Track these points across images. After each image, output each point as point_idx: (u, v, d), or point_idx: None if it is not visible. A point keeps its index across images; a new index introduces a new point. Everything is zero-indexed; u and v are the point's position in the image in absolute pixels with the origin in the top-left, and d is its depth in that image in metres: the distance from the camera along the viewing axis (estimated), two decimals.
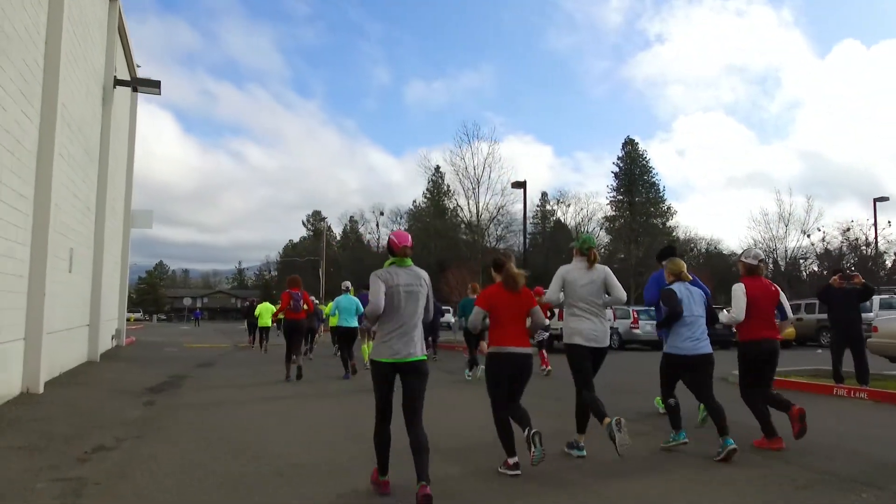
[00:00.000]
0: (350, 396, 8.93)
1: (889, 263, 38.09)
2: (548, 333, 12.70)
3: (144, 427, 6.23)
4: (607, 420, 4.54)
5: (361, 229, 78.85)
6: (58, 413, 6.94)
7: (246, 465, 4.74)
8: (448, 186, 57.10)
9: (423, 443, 3.76)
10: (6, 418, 6.47)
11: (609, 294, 5.06)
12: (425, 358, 4.00)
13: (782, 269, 43.41)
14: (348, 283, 12.46)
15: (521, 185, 24.63)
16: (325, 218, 70.70)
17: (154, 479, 4.33)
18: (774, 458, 4.96)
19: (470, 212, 46.75)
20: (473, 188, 44.44)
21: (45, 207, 8.59)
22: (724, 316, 5.63)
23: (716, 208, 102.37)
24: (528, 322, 4.79)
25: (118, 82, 14.90)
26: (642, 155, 61.86)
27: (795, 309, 20.61)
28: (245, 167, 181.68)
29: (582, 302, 5.00)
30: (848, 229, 41.58)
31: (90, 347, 13.48)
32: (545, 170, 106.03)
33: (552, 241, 61.42)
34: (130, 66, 18.19)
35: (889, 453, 5.23)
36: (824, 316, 21.39)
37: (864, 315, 8.61)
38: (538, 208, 65.87)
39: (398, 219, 69.37)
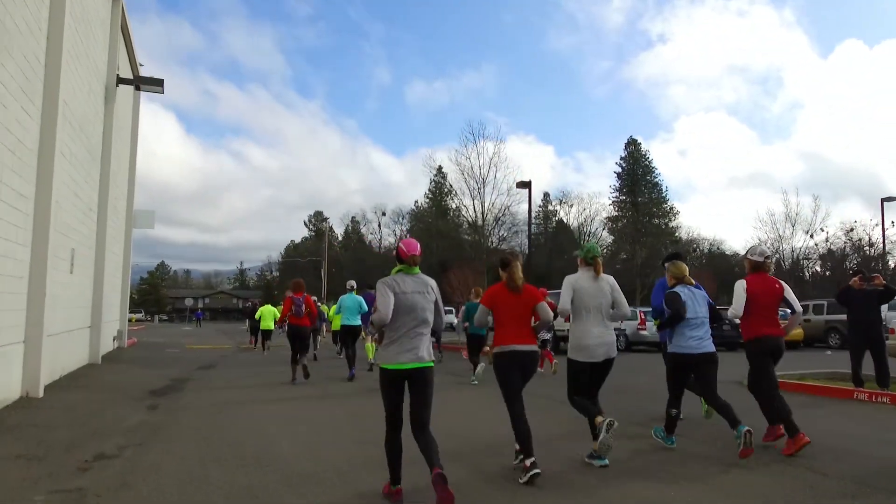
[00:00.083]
0: (355, 398, 8.83)
1: (892, 264, 37.87)
2: (550, 334, 12.59)
3: (146, 433, 6.07)
4: (599, 419, 4.69)
5: (363, 230, 78.59)
6: (58, 418, 6.79)
7: (251, 473, 4.59)
8: (451, 186, 57.02)
9: (432, 444, 3.73)
10: (5, 424, 6.32)
11: (615, 309, 5.13)
12: (432, 364, 3.94)
13: (784, 268, 43.22)
14: (353, 283, 12.58)
15: (526, 184, 24.43)
16: (326, 218, 70.87)
17: (157, 489, 4.17)
18: (785, 462, 4.93)
19: (474, 212, 46.70)
20: (479, 188, 44.38)
21: (46, 207, 8.44)
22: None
23: (717, 209, 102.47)
24: (534, 322, 4.77)
25: (121, 80, 14.73)
26: (645, 155, 61.81)
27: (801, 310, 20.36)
28: (246, 167, 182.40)
29: (591, 311, 5.03)
30: (851, 230, 41.47)
31: (91, 349, 13.32)
32: (547, 170, 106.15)
33: (554, 241, 61.31)
34: (133, 64, 17.97)
35: None
36: (832, 317, 21.54)
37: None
38: (540, 209, 65.72)
39: (400, 219, 69.35)
